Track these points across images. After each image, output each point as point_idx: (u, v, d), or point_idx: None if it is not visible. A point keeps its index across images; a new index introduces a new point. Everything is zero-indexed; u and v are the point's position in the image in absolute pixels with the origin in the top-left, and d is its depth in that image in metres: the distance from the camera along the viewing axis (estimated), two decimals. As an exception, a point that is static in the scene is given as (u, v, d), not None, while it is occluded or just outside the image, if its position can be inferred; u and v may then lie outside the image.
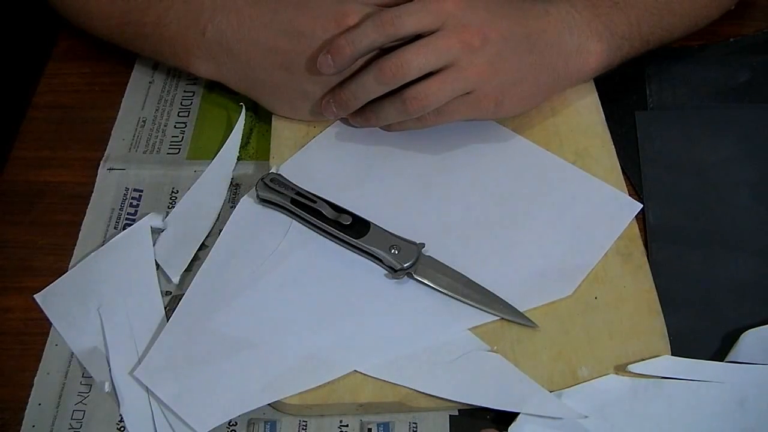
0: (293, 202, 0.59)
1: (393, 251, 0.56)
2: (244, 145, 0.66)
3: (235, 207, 0.61)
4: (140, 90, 0.71)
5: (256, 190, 0.60)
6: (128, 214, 0.63)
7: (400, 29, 0.56)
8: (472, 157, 0.63)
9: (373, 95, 0.59)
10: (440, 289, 0.56)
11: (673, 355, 0.54)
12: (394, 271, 0.57)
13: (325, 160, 0.63)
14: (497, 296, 0.55)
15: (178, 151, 0.67)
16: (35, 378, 0.55)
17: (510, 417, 0.51)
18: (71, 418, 0.53)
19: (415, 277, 0.56)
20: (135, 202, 0.63)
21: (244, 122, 0.67)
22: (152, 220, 0.61)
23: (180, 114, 0.69)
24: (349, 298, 0.56)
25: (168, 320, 0.55)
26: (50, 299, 0.58)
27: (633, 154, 0.65)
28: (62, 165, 0.66)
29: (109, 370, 0.54)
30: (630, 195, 0.62)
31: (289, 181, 0.60)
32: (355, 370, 0.53)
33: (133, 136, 0.68)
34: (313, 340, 0.54)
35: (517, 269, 0.57)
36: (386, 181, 0.62)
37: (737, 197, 0.63)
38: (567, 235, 0.59)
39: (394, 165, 0.63)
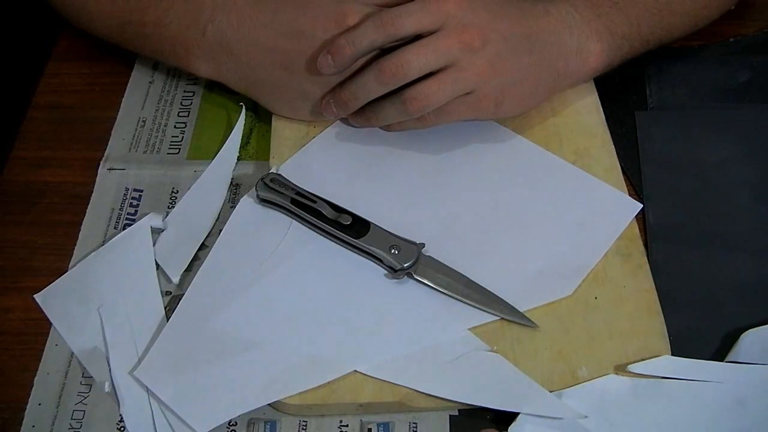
0: (293, 202, 0.59)
1: (393, 251, 0.56)
2: (244, 145, 0.66)
3: (235, 207, 0.61)
4: (140, 90, 0.71)
5: (256, 190, 0.60)
6: (128, 214, 0.63)
7: (400, 29, 0.56)
8: (472, 157, 0.63)
9: (373, 95, 0.59)
10: (440, 289, 0.56)
11: (673, 355, 0.53)
12: (394, 271, 0.57)
13: (325, 160, 0.63)
14: (497, 296, 0.55)
15: (178, 151, 0.67)
16: (35, 378, 0.55)
17: (510, 417, 0.51)
18: (71, 418, 0.53)
19: (415, 277, 0.56)
20: (135, 202, 0.63)
21: (244, 122, 0.67)
22: (152, 220, 0.61)
23: (180, 114, 0.69)
24: (349, 298, 0.56)
25: (168, 320, 0.55)
26: (50, 299, 0.58)
27: (633, 154, 0.65)
28: (62, 165, 0.66)
29: (109, 370, 0.54)
30: (630, 195, 0.62)
31: (289, 181, 0.60)
32: (355, 370, 0.53)
33: (133, 136, 0.68)
34: (313, 340, 0.54)
35: (517, 269, 0.57)
36: (386, 181, 0.62)
37: (737, 197, 0.63)
38: (567, 235, 0.59)
39: (394, 165, 0.63)
